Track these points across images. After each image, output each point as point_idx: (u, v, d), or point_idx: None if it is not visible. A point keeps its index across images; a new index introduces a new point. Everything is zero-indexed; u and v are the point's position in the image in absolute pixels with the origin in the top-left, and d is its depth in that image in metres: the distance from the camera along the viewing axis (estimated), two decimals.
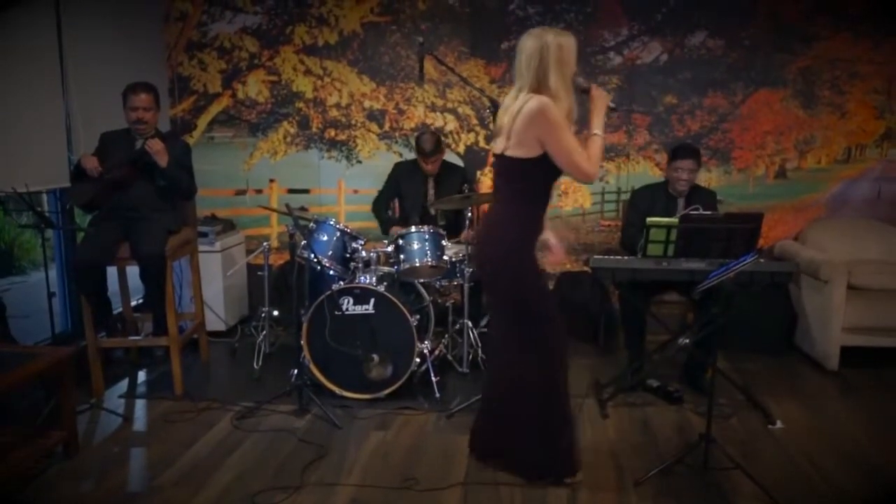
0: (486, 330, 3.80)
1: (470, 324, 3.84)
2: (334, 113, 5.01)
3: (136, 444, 3.17)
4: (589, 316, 4.62)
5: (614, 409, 3.51)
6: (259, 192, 5.14)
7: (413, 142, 4.48)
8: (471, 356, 3.88)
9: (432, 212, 4.13)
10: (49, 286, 3.55)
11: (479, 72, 4.77)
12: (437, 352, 3.77)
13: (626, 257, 3.43)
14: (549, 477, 2.73)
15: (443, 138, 4.40)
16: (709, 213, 3.40)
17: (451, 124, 4.92)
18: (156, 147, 3.50)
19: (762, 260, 3.25)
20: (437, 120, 4.92)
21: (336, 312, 3.51)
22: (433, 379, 3.58)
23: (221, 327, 4.61)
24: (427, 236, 3.65)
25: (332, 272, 3.70)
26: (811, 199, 4.87)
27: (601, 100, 2.59)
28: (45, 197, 4.12)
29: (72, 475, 2.84)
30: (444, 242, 3.72)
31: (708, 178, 4.80)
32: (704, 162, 4.64)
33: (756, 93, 4.76)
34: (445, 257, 3.69)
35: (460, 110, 4.90)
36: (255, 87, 5.03)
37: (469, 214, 3.77)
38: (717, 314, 3.01)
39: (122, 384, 3.87)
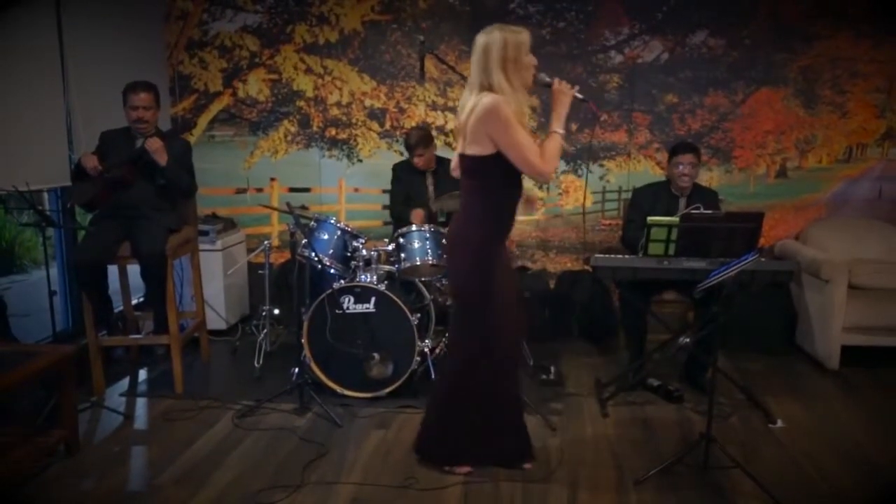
0: None
1: None
2: (335, 112, 5.01)
3: (137, 442, 3.17)
4: (589, 315, 4.62)
5: (615, 408, 3.51)
6: (260, 190, 5.14)
7: None
8: None
9: (433, 209, 4.12)
10: (50, 285, 3.56)
11: None
12: (437, 350, 3.77)
13: (626, 256, 3.43)
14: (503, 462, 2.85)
15: (433, 133, 4.38)
16: (710, 212, 3.39)
17: (452, 123, 4.92)
18: (154, 146, 3.51)
19: (763, 259, 3.25)
20: (437, 119, 4.93)
21: (337, 311, 3.51)
22: (434, 378, 3.58)
23: (222, 326, 4.61)
24: (428, 235, 3.65)
25: (332, 271, 3.70)
26: (812, 198, 4.87)
27: (562, 95, 2.53)
28: (46, 195, 4.12)
29: (73, 473, 2.84)
30: (444, 241, 3.71)
31: (709, 177, 4.80)
32: (705, 161, 4.64)
33: (757, 92, 4.76)
34: (446, 256, 3.68)
35: None
36: (255, 86, 5.03)
37: None
38: (717, 313, 3.00)
39: (122, 383, 3.87)
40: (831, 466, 2.92)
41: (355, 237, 3.74)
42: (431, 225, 3.71)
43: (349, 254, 3.71)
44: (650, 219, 3.26)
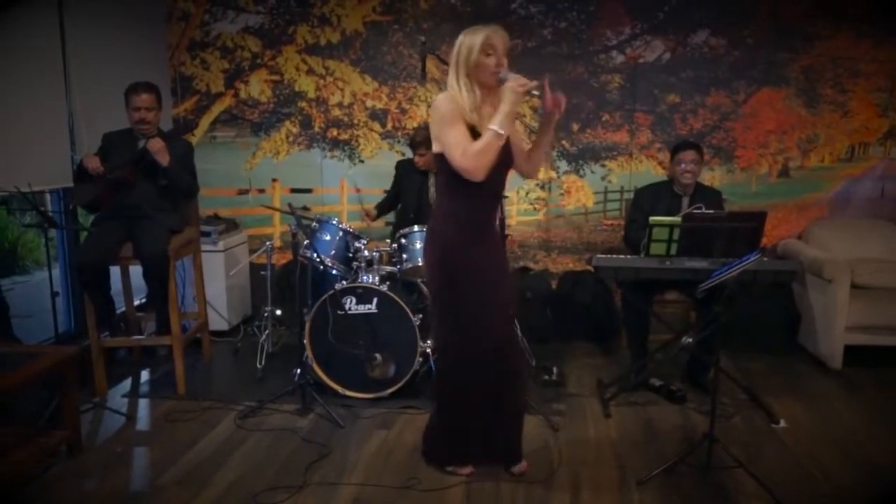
0: None
1: None
2: (336, 112, 5.01)
3: (139, 443, 3.18)
4: (592, 315, 4.62)
5: (617, 408, 3.50)
6: (261, 191, 5.14)
7: None
8: None
9: (433, 208, 4.11)
10: (52, 286, 3.57)
11: None
12: None
13: (628, 256, 3.42)
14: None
15: None
16: (712, 211, 3.39)
17: None
18: (156, 146, 3.51)
19: (765, 259, 3.24)
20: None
21: (339, 312, 3.51)
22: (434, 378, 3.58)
23: (224, 327, 4.61)
24: None
25: (334, 271, 3.70)
26: (814, 197, 4.86)
27: (510, 93, 2.46)
28: (48, 197, 4.13)
29: (75, 474, 2.85)
30: None
31: (711, 176, 4.80)
32: (707, 161, 4.63)
33: (759, 91, 4.75)
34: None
35: None
36: (257, 87, 5.03)
37: None
38: (719, 313, 3.00)
39: (125, 384, 3.87)
40: (834, 466, 2.92)
41: (357, 238, 3.74)
42: None
43: (351, 254, 3.71)
44: (652, 219, 3.26)
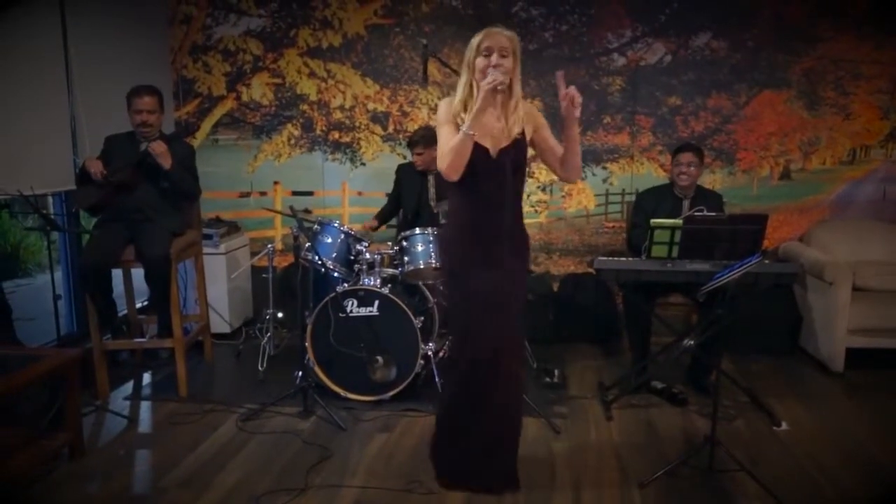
0: None
1: None
2: (338, 115, 5.02)
3: (141, 445, 3.18)
4: (593, 317, 4.62)
5: (618, 410, 3.50)
6: (263, 194, 5.15)
7: None
8: None
9: (434, 210, 4.12)
10: (54, 289, 3.58)
11: None
12: (441, 353, 3.77)
13: (630, 259, 3.42)
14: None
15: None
16: (713, 214, 3.40)
17: None
18: (159, 149, 3.51)
19: (767, 261, 3.24)
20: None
21: (340, 314, 3.52)
22: (437, 381, 3.58)
23: (226, 329, 4.61)
24: (431, 238, 3.65)
25: (336, 274, 3.70)
26: (815, 200, 4.86)
27: (480, 92, 2.42)
28: (50, 200, 4.14)
29: (77, 477, 2.85)
30: None
31: (712, 179, 4.80)
32: (708, 163, 4.63)
33: (760, 94, 4.75)
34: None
35: None
36: (259, 90, 5.04)
37: None
38: (721, 315, 3.00)
39: (127, 386, 3.88)
40: (836, 469, 2.91)
41: (359, 240, 3.74)
42: (434, 228, 3.71)
43: (352, 257, 3.72)
44: (653, 221, 3.26)
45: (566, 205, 5.00)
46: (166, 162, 3.53)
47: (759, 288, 3.27)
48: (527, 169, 2.68)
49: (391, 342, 3.51)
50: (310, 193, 5.11)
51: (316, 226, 3.75)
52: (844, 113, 4.74)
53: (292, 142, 5.09)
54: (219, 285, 4.53)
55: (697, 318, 3.87)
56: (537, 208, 4.99)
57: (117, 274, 3.73)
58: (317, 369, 3.57)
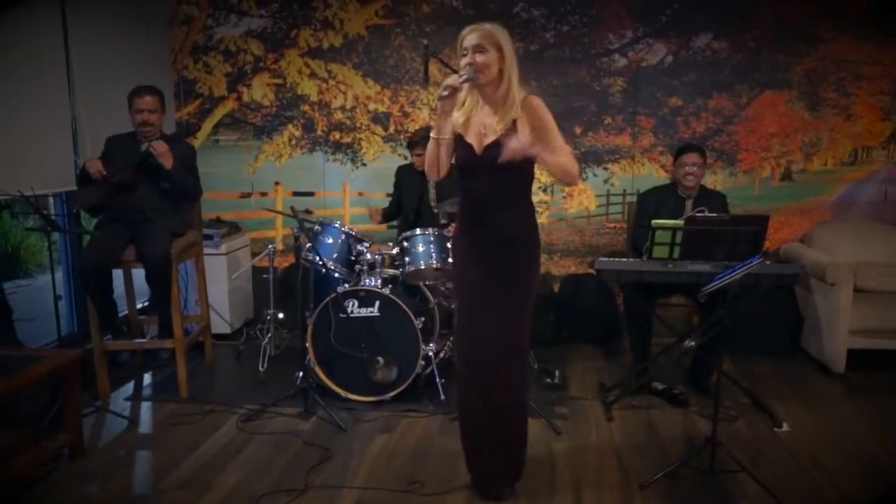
0: None
1: None
2: (339, 116, 5.02)
3: (142, 446, 3.18)
4: (594, 318, 4.61)
5: (619, 411, 3.50)
6: (264, 194, 5.15)
7: None
8: None
9: (434, 210, 4.12)
10: (55, 289, 3.57)
11: None
12: (442, 354, 3.77)
13: (631, 259, 3.42)
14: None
15: None
16: (714, 215, 3.39)
17: None
18: (160, 149, 3.51)
19: (768, 262, 3.24)
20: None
21: (341, 315, 3.51)
22: (438, 381, 3.58)
23: (226, 330, 4.61)
24: (432, 239, 3.65)
25: (336, 275, 3.70)
26: (817, 201, 4.85)
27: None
28: (51, 200, 4.14)
29: (77, 477, 2.85)
30: (448, 245, 3.71)
31: (713, 179, 4.79)
32: (710, 164, 4.63)
33: (761, 95, 4.75)
34: (450, 259, 3.69)
35: None
36: (259, 91, 5.04)
37: None
38: (722, 316, 3.00)
39: (127, 387, 3.88)
40: (837, 470, 2.91)
41: (359, 241, 3.74)
42: (435, 229, 3.71)
43: (353, 257, 3.72)
44: (654, 222, 3.26)
45: (567, 205, 5.00)
46: (167, 162, 3.53)
47: (760, 289, 3.27)
48: (527, 164, 2.48)
49: (392, 343, 3.50)
50: (310, 194, 5.11)
51: (317, 226, 3.75)
52: (846, 114, 4.73)
53: (293, 142, 5.08)
54: (219, 286, 4.53)
55: (698, 319, 3.86)
56: (539, 209, 4.97)
57: (118, 274, 3.73)
58: (317, 370, 3.57)
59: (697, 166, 3.68)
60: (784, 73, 4.70)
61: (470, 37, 2.45)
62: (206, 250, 4.24)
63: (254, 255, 4.90)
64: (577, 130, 4.86)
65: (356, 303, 3.53)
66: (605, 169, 4.92)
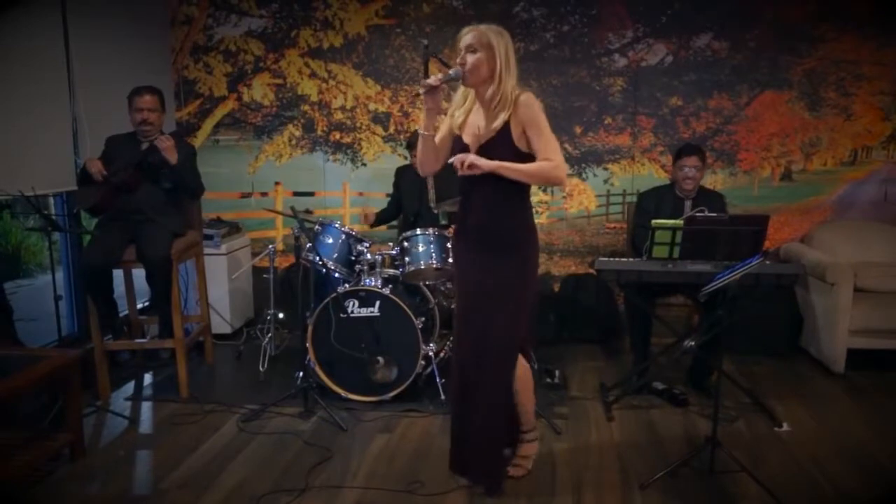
0: None
1: None
2: (339, 116, 5.02)
3: (142, 446, 3.18)
4: (594, 318, 4.61)
5: (619, 411, 3.50)
6: (264, 194, 5.15)
7: None
8: None
9: (434, 210, 4.12)
10: (56, 289, 3.57)
11: None
12: (442, 354, 3.77)
13: (631, 259, 3.42)
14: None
15: None
16: (714, 214, 3.39)
17: None
18: (166, 143, 3.49)
19: (768, 262, 3.24)
20: (441, 122, 4.92)
21: (341, 315, 3.52)
22: (438, 381, 3.58)
23: (227, 330, 4.61)
24: (432, 239, 3.65)
25: (337, 275, 3.70)
26: (817, 201, 4.85)
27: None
28: (51, 200, 4.14)
29: (78, 477, 2.85)
30: (448, 245, 3.71)
31: (713, 179, 4.80)
32: (710, 164, 4.63)
33: (761, 95, 4.75)
34: (450, 259, 3.69)
35: None
36: (260, 91, 5.04)
37: None
38: (722, 316, 3.00)
39: (128, 387, 3.88)
40: (837, 470, 2.91)
41: (360, 241, 3.74)
42: (435, 229, 3.71)
43: (353, 257, 3.72)
44: (654, 222, 3.26)
45: (567, 205, 5.00)
46: (172, 156, 3.52)
47: (760, 289, 3.27)
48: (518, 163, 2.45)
49: (392, 343, 3.50)
50: (311, 194, 5.11)
51: (317, 226, 3.75)
52: (846, 114, 4.73)
53: (293, 142, 5.09)
54: (220, 286, 4.53)
55: (698, 319, 3.87)
56: (539, 209, 4.99)
57: (118, 274, 3.73)
58: (318, 370, 3.57)
59: (696, 169, 3.68)
60: (784, 73, 4.70)
61: (465, 37, 2.50)
62: (206, 250, 4.25)
63: (254, 255, 4.90)
64: (577, 130, 4.87)
65: (356, 303, 3.53)
66: (605, 169, 4.92)
